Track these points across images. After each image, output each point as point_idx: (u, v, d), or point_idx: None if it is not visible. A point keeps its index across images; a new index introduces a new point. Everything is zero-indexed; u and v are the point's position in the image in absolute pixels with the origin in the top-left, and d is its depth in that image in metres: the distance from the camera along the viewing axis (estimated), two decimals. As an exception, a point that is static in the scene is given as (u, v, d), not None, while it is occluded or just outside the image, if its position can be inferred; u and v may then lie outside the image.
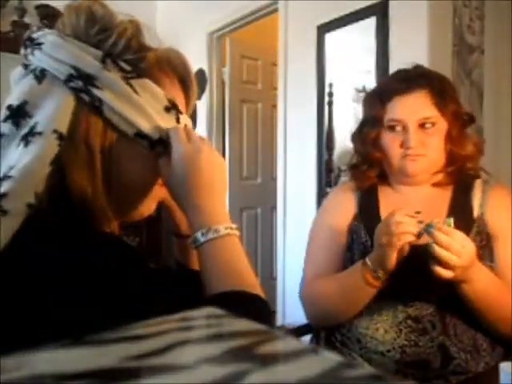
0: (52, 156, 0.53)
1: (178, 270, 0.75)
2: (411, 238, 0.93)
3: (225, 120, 3.34)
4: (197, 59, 2.97)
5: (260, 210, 3.60)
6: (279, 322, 2.55)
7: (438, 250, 0.90)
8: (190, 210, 0.60)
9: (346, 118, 2.14)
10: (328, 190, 2.22)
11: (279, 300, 2.61)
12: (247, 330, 0.24)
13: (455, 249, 0.89)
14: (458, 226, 1.03)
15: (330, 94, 2.26)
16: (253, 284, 0.59)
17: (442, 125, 1.08)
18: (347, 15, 2.14)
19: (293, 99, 2.52)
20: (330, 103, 2.26)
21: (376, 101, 1.15)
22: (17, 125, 0.56)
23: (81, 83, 0.56)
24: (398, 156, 1.10)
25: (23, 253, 0.48)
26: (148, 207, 0.66)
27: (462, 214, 1.08)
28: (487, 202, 1.08)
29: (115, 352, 0.21)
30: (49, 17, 3.29)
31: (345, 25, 2.17)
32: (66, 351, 0.22)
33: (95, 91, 0.56)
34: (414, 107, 1.09)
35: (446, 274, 0.91)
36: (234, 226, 0.60)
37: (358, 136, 1.20)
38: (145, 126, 0.59)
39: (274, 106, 3.01)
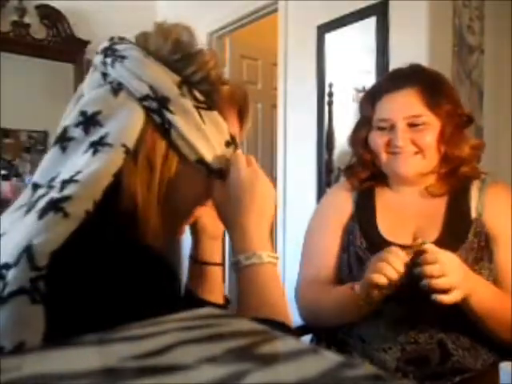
0: (116, 169, 0.56)
1: (186, 297, 0.77)
2: (384, 280, 0.89)
3: (225, 120, 3.34)
4: (197, 59, 2.97)
5: (260, 210, 3.60)
6: (279, 322, 2.54)
7: (433, 282, 0.87)
8: (237, 231, 0.63)
9: (346, 118, 2.14)
10: (328, 190, 2.22)
11: (279, 300, 2.61)
12: (247, 330, 0.24)
13: (446, 270, 0.87)
14: (454, 230, 1.03)
15: (330, 94, 2.26)
16: (285, 315, 0.61)
17: (435, 124, 1.03)
18: (347, 15, 2.14)
19: (293, 99, 2.52)
20: (330, 103, 2.26)
21: (367, 101, 1.13)
22: (86, 131, 0.58)
23: (155, 104, 0.58)
24: (387, 154, 1.07)
25: (77, 255, 0.50)
26: (186, 228, 0.70)
27: (459, 217, 1.06)
28: (484, 202, 1.06)
29: (115, 352, 0.21)
30: (49, 17, 3.30)
31: (345, 25, 2.17)
32: (66, 351, 0.22)
33: (167, 114, 0.58)
34: (401, 105, 1.04)
35: (453, 297, 0.89)
36: (275, 254, 0.63)
37: (351, 138, 1.19)
38: (206, 155, 0.61)
39: (274, 106, 3.01)
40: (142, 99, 0.58)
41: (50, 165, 0.58)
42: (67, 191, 0.52)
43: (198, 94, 0.61)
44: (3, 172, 3.18)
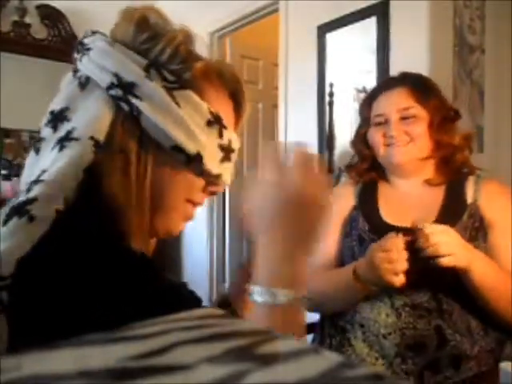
0: (87, 163, 0.52)
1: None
2: (403, 279, 0.99)
3: (225, 120, 3.33)
4: (197, 59, 2.96)
5: (260, 210, 3.59)
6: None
7: (431, 250, 0.98)
8: (258, 252, 0.54)
9: (347, 118, 2.14)
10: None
11: (280, 300, 2.61)
12: (247, 330, 0.24)
13: (438, 240, 0.97)
14: (449, 213, 1.12)
15: (331, 94, 2.25)
16: None
17: (424, 116, 1.14)
18: (348, 15, 2.14)
19: (293, 99, 2.52)
20: (331, 103, 2.26)
21: (365, 104, 1.26)
22: (54, 129, 0.55)
23: (120, 92, 0.55)
24: (384, 147, 1.17)
25: (46, 260, 0.46)
26: (176, 225, 0.62)
27: (455, 204, 1.14)
28: (480, 193, 1.13)
29: (115, 352, 0.21)
30: (49, 17, 3.30)
31: (345, 25, 2.16)
32: (66, 351, 0.21)
33: (134, 100, 0.55)
34: (393, 100, 1.17)
35: (450, 261, 0.97)
36: (298, 293, 0.52)
37: (354, 138, 1.29)
38: (182, 140, 0.56)
39: (275, 106, 3.01)
40: (108, 88, 0.55)
41: (27, 169, 0.56)
42: (32, 193, 0.49)
43: (167, 75, 0.56)
44: (4, 172, 3.18)
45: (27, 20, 3.23)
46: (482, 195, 1.12)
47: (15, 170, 3.28)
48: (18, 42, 3.20)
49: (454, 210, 1.12)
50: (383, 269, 0.98)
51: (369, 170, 1.25)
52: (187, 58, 0.58)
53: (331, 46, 2.25)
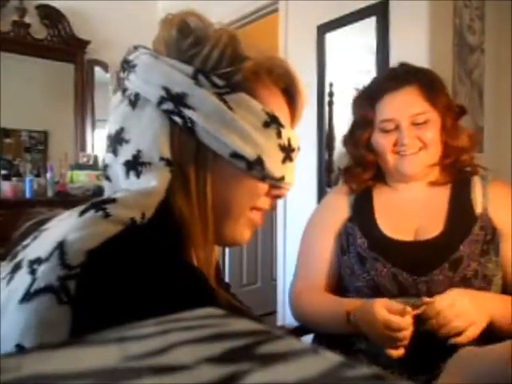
0: (166, 183, 0.53)
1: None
2: (401, 353, 0.93)
3: (225, 120, 3.33)
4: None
5: (260, 210, 3.59)
6: (279, 322, 2.55)
7: (443, 332, 0.90)
8: None
9: (347, 118, 2.14)
10: (328, 190, 2.22)
11: (279, 300, 2.61)
12: (247, 330, 0.24)
13: (452, 315, 0.89)
14: (458, 224, 1.03)
15: (331, 94, 2.26)
16: None
17: (435, 119, 1.06)
18: (347, 15, 2.14)
19: (293, 99, 2.51)
20: (331, 103, 2.26)
21: (365, 102, 1.14)
22: (114, 152, 0.55)
23: (171, 105, 0.53)
24: (393, 155, 1.08)
25: (114, 257, 0.45)
26: (241, 233, 0.61)
27: (463, 212, 1.07)
28: (488, 198, 1.07)
29: (115, 352, 0.21)
30: (49, 17, 3.30)
31: (345, 25, 2.16)
32: (66, 351, 0.21)
33: (186, 111, 0.53)
34: (404, 104, 1.06)
35: (467, 336, 0.90)
36: None
37: (350, 139, 1.19)
38: (240, 146, 0.54)
39: (275, 106, 3.01)
40: (159, 103, 0.53)
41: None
42: (114, 195, 0.50)
43: (216, 79, 0.54)
44: (3, 172, 3.18)
45: (27, 20, 3.24)
46: (491, 202, 1.06)
47: (15, 170, 3.28)
48: (17, 42, 3.21)
49: (462, 221, 1.05)
50: (384, 338, 0.91)
51: (371, 179, 1.17)
52: (235, 59, 0.56)
53: (331, 46, 2.25)
